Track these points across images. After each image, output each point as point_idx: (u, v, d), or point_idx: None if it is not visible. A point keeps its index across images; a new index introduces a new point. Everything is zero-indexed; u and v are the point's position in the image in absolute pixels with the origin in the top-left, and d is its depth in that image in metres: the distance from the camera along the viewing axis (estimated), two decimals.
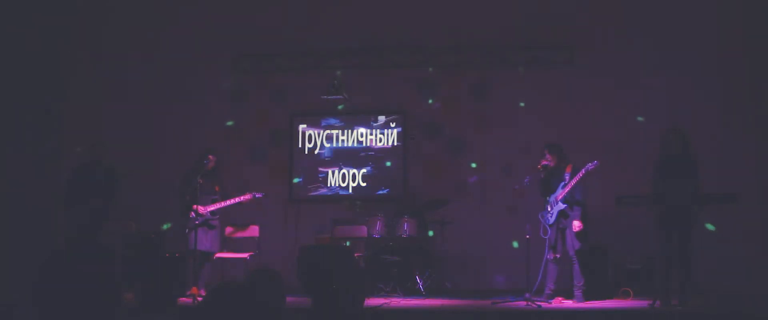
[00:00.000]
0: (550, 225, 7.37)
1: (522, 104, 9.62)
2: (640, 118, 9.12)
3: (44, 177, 9.15)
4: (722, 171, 8.33)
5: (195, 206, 7.77)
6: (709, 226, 8.53)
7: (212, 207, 7.90)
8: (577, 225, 7.16)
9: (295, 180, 10.08)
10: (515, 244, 9.03)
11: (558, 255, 7.34)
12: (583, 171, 7.09)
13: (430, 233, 9.17)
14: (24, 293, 2.26)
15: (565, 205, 7.25)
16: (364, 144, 10.05)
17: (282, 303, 3.38)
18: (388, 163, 9.96)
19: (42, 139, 9.52)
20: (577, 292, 7.22)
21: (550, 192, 7.39)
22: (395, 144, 9.98)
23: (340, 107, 9.96)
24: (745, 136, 8.77)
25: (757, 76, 8.55)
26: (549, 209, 7.39)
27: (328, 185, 10.04)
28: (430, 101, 9.93)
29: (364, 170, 10.00)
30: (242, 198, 8.00)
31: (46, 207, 8.80)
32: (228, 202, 7.96)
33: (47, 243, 8.41)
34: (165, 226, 7.83)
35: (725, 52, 9.09)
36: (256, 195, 8.07)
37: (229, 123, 10.12)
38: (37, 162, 9.35)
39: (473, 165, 9.72)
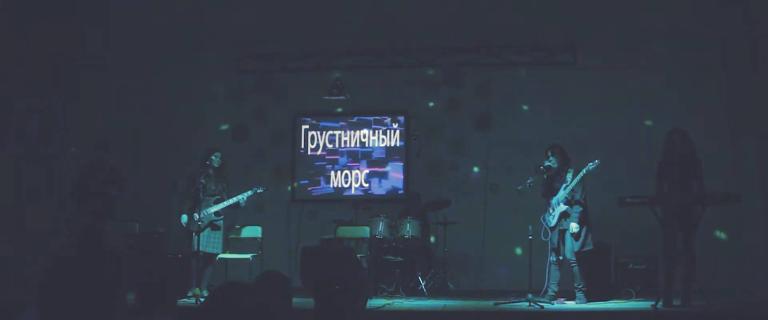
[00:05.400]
0: (551, 227, 7.35)
1: (525, 107, 9.64)
2: (648, 122, 9.06)
3: (48, 177, 9.16)
4: (725, 172, 8.32)
5: (198, 207, 7.75)
6: (720, 234, 8.55)
7: (215, 208, 7.87)
8: (573, 227, 7.16)
9: (300, 181, 10.09)
10: (519, 251, 9.05)
11: (561, 258, 7.32)
12: (584, 170, 7.08)
13: (432, 239, 9.21)
14: (28, 293, 2.26)
15: (567, 207, 7.24)
16: (366, 144, 10.06)
17: (288, 306, 3.37)
18: (391, 164, 9.96)
19: (45, 140, 9.53)
20: (579, 293, 7.20)
21: (553, 194, 7.37)
22: (398, 144, 9.98)
23: (339, 109, 9.94)
24: (748, 136, 8.76)
25: (760, 75, 8.52)
26: (551, 211, 7.37)
27: (331, 186, 10.05)
28: (431, 104, 9.95)
29: (366, 171, 10.01)
30: (244, 194, 7.95)
31: (50, 208, 8.80)
32: (230, 201, 7.92)
33: (51, 244, 8.41)
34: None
35: (729, 50, 9.09)
36: (257, 191, 8.04)
37: (224, 127, 10.13)
38: (41, 162, 9.35)
39: (475, 169, 9.73)
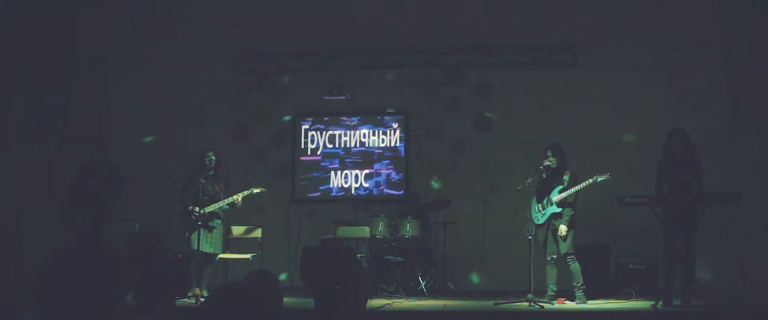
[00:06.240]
0: (539, 225, 7.34)
1: (522, 105, 9.64)
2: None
3: (48, 177, 9.15)
4: (725, 172, 8.32)
5: (194, 207, 7.74)
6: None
7: (210, 208, 7.84)
8: (563, 229, 7.16)
9: (301, 182, 10.09)
10: None
11: (554, 257, 7.32)
12: (591, 180, 7.05)
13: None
14: (27, 294, 2.26)
15: (560, 209, 7.23)
16: (366, 144, 10.05)
17: (279, 305, 3.39)
18: (390, 164, 9.95)
19: (45, 140, 9.53)
20: (578, 293, 7.20)
21: (547, 193, 7.37)
22: (397, 144, 9.98)
23: (343, 106, 9.94)
24: (747, 136, 8.76)
25: (760, 75, 8.52)
26: (540, 209, 7.37)
27: (331, 186, 10.05)
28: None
29: (366, 170, 10.00)
30: (238, 195, 7.91)
31: (50, 208, 8.80)
32: (226, 201, 7.89)
33: (51, 244, 8.41)
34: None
35: (729, 50, 9.08)
36: (254, 191, 8.02)
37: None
38: (41, 162, 9.35)
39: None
